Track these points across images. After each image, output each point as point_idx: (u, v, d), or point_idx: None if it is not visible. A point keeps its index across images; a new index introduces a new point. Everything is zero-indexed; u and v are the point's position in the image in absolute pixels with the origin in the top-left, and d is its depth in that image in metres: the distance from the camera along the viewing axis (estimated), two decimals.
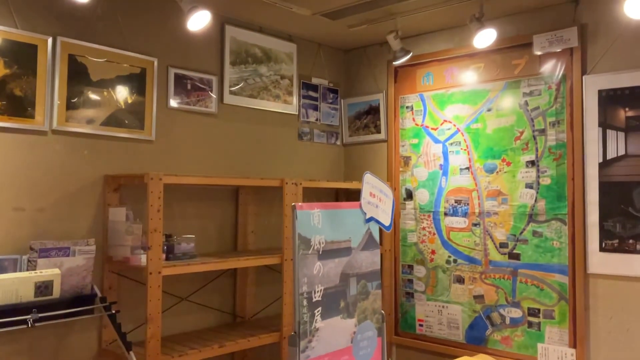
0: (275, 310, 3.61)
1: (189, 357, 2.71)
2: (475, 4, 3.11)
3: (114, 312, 2.64)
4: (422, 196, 3.71)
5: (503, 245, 3.35)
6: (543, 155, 3.21)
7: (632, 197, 2.89)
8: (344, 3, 3.19)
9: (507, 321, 3.32)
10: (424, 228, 3.70)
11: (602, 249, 2.99)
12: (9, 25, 2.54)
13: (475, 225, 3.46)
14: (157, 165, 3.05)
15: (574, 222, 3.08)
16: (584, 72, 3.08)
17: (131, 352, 2.54)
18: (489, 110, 3.43)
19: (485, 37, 3.05)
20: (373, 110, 3.99)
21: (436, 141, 3.66)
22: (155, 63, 3.04)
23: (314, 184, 3.36)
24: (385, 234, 3.79)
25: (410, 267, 3.76)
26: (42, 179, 2.65)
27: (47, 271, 2.51)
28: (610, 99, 2.98)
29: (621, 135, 2.95)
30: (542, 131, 3.22)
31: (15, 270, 2.50)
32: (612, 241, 2.96)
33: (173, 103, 3.12)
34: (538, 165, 3.23)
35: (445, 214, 3.59)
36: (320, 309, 1.68)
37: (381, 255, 3.80)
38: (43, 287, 2.50)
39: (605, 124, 3.00)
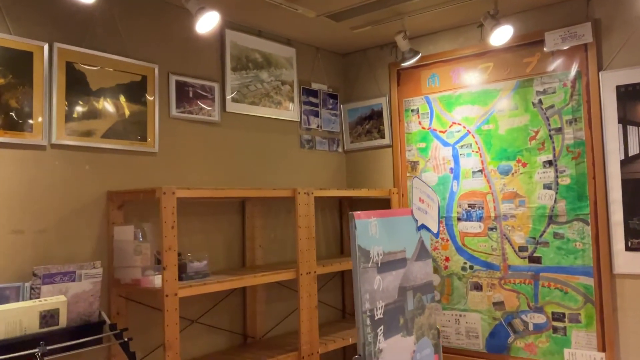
0: (284, 328, 3.43)
1: None
2: (482, 2, 3.02)
3: (126, 339, 2.42)
4: None
5: (522, 249, 3.24)
6: (561, 154, 3.13)
7: None
8: (350, 4, 3.06)
9: (530, 327, 3.21)
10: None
11: (628, 248, 2.91)
12: (2, 30, 2.32)
13: (491, 229, 3.35)
14: (161, 179, 2.85)
15: (597, 222, 2.99)
16: (599, 68, 3.00)
17: None
18: (500, 110, 3.33)
19: (502, 34, 2.96)
20: (376, 115, 3.86)
21: (445, 144, 3.55)
22: (156, 70, 2.84)
23: (324, 193, 3.20)
24: None
25: None
26: (41, 197, 2.42)
27: (52, 299, 2.29)
28: (629, 95, 2.92)
29: None
30: (559, 130, 3.14)
31: (17, 299, 2.27)
32: (638, 240, 2.88)
33: (175, 112, 2.93)
34: (556, 165, 3.14)
35: (459, 219, 3.47)
36: (382, 327, 1.52)
37: None
38: (49, 317, 2.28)
39: (625, 120, 2.93)
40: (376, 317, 1.54)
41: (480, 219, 3.39)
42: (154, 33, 2.88)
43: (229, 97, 3.20)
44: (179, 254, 2.72)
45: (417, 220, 1.88)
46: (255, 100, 3.36)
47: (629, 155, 2.92)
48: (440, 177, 3.56)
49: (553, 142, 3.16)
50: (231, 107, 3.22)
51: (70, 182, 2.51)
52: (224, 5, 2.98)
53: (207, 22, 2.58)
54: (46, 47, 2.43)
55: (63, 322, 2.31)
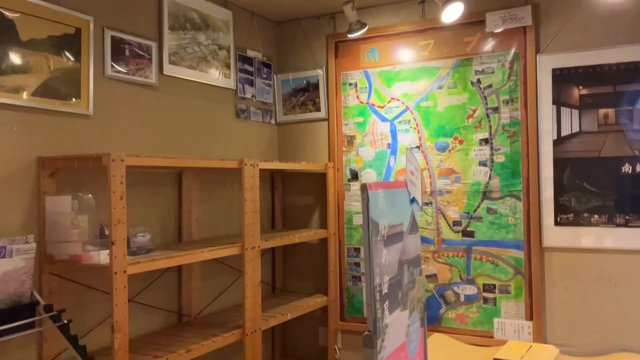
0: (217, 306, 3.30)
1: None
2: None
3: (65, 322, 2.18)
4: (369, 177, 3.59)
5: (456, 223, 3.34)
6: (497, 133, 3.24)
7: (587, 173, 3.02)
8: None
9: (462, 298, 3.33)
10: None
11: (557, 223, 3.09)
12: None
13: (427, 204, 3.42)
14: (95, 145, 2.58)
15: (529, 198, 3.15)
16: (537, 50, 3.13)
17: None
18: (440, 87, 3.38)
19: (453, 11, 2.98)
20: (311, 87, 3.77)
21: (383, 119, 3.55)
22: (91, 23, 2.55)
23: (268, 165, 3.08)
24: (330, 216, 3.62)
25: (357, 249, 3.63)
26: None
27: None
28: (564, 78, 3.07)
29: (575, 112, 3.06)
30: (496, 109, 3.24)
31: None
32: (567, 215, 3.07)
33: (111, 71, 2.65)
34: (492, 143, 3.25)
35: None
36: (387, 302, 1.47)
37: (326, 239, 3.65)
38: None
39: (559, 102, 3.09)
40: (383, 292, 1.49)
41: None
42: None
43: (166, 57, 2.96)
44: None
45: (410, 193, 1.85)
46: (192, 64, 3.14)
47: (562, 135, 3.08)
48: (377, 153, 3.56)
49: (490, 121, 3.26)
50: (169, 69, 2.98)
51: None
52: None
53: None
54: None
55: None
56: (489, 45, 3.25)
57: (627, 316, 2.94)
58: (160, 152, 2.93)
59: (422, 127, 3.43)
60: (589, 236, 3.01)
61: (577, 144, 3.04)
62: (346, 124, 3.67)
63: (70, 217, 2.28)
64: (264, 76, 3.76)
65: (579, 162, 3.04)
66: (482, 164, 3.27)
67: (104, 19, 2.63)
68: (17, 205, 2.26)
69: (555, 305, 3.11)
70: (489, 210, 3.26)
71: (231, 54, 3.43)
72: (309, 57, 3.80)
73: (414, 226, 1.85)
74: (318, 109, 3.75)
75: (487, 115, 3.26)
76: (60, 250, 2.28)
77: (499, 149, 3.23)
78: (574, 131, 3.06)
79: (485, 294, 3.27)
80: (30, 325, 2.17)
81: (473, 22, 3.28)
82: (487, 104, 3.26)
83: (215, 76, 3.29)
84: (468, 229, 3.31)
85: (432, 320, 3.40)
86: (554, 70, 3.09)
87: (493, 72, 3.25)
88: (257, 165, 2.94)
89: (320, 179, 3.75)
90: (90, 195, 2.34)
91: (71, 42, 2.46)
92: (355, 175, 3.64)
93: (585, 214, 3.03)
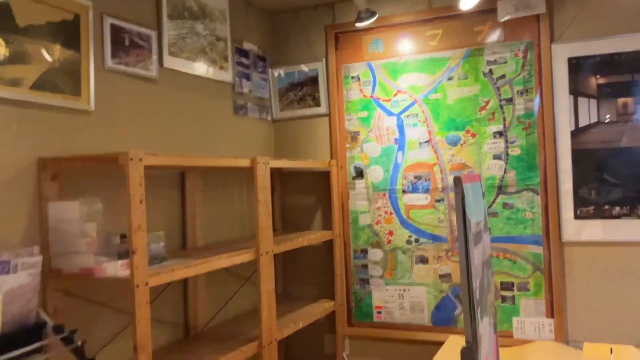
0: (223, 317, 3.07)
1: None
2: None
3: (79, 343, 1.92)
4: (375, 174, 3.43)
5: None
6: (511, 125, 3.13)
7: (607, 164, 2.94)
8: None
9: None
10: (378, 208, 3.42)
11: (577, 217, 3.01)
12: None
13: (438, 201, 3.28)
14: (97, 143, 2.32)
15: (546, 192, 3.05)
16: (551, 39, 3.04)
17: None
18: (449, 79, 3.25)
19: None
20: (310, 81, 3.58)
21: (389, 114, 3.39)
22: (90, 10, 2.29)
23: (277, 164, 2.87)
24: (334, 216, 3.44)
25: (364, 251, 3.46)
26: None
27: None
28: (580, 67, 2.99)
29: (593, 102, 2.98)
30: (510, 100, 3.13)
31: None
32: (587, 208, 2.99)
33: (111, 63, 2.40)
34: (506, 136, 3.14)
35: (404, 192, 3.35)
36: (479, 308, 1.31)
37: (332, 240, 3.46)
38: None
39: (576, 92, 3.00)
40: (476, 298, 1.33)
41: (426, 190, 3.30)
42: None
43: (166, 48, 2.71)
44: (124, 237, 2.25)
45: (482, 186, 1.69)
46: (191, 55, 2.90)
47: (579, 126, 3.00)
48: (383, 149, 3.40)
49: (503, 113, 3.15)
50: (168, 61, 2.73)
51: None
52: None
53: None
54: None
55: None
56: (500, 34, 3.14)
57: None
58: (161, 150, 2.68)
59: (432, 121, 3.29)
60: (610, 229, 2.94)
61: (596, 135, 2.96)
62: (349, 119, 3.49)
63: (79, 225, 2.02)
64: (260, 70, 3.55)
65: (598, 153, 2.96)
66: (497, 157, 3.16)
67: (103, 5, 2.37)
68: (16, 212, 1.99)
69: (577, 301, 3.02)
70: (505, 205, 3.14)
71: (228, 46, 3.20)
72: (306, 49, 3.61)
73: (486, 223, 1.70)
74: (318, 104, 3.56)
75: (501, 107, 3.15)
76: (69, 263, 2.02)
77: (514, 141, 3.12)
78: (592, 121, 2.97)
79: (504, 292, 3.16)
80: (39, 350, 1.90)
81: (483, 10, 3.16)
82: (500, 95, 3.15)
83: (213, 69, 3.06)
84: None
85: (447, 322, 3.27)
86: (569, 60, 3.00)
87: (506, 62, 3.14)
88: (269, 163, 2.73)
89: (320, 177, 3.56)
90: (97, 199, 2.09)
91: (70, 30, 2.19)
92: (360, 173, 3.46)
93: (606, 206, 2.95)
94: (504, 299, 3.16)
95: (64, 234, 2.03)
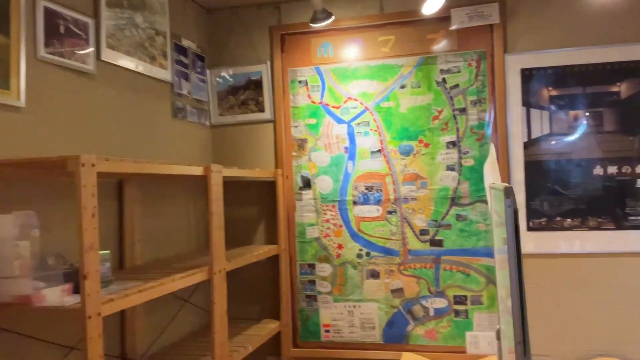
0: (161, 343, 2.74)
1: None
2: None
3: None
4: (324, 184, 3.24)
5: (424, 232, 3.12)
6: (465, 135, 3.07)
7: (558, 175, 2.95)
8: None
9: (431, 313, 3.11)
10: (327, 220, 3.23)
11: (529, 229, 2.99)
12: None
13: (390, 212, 3.15)
14: (30, 145, 1.96)
15: None
16: (505, 50, 3.02)
17: None
18: (402, 87, 3.15)
19: (435, 3, 2.75)
20: (253, 85, 3.34)
21: (339, 121, 3.23)
22: None
23: (231, 173, 2.61)
24: (280, 229, 3.21)
25: (311, 266, 3.26)
26: None
27: None
28: (533, 78, 2.99)
29: (545, 114, 2.98)
30: (463, 110, 3.08)
31: None
32: (539, 220, 2.98)
33: (44, 52, 2.04)
34: (460, 146, 3.08)
35: (354, 203, 3.19)
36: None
37: (277, 256, 3.23)
38: None
39: (529, 103, 3.00)
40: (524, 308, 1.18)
41: (378, 202, 3.17)
42: None
43: (104, 39, 2.37)
44: (62, 257, 1.90)
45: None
46: (130, 49, 2.57)
47: (532, 137, 2.99)
48: (333, 157, 3.23)
49: (457, 123, 3.09)
50: (107, 55, 2.39)
51: None
52: None
53: None
54: None
55: None
56: (453, 43, 3.08)
57: (603, 321, 2.91)
58: (98, 154, 2.33)
59: (384, 130, 3.16)
60: (562, 241, 2.95)
61: (548, 146, 2.97)
62: (296, 126, 3.29)
63: (11, 243, 1.66)
64: (198, 70, 3.26)
65: (550, 165, 2.96)
66: (450, 168, 3.09)
67: None
68: None
69: (530, 313, 3.00)
70: (458, 217, 3.07)
71: (168, 42, 2.90)
72: (249, 50, 3.36)
73: None
74: (262, 109, 3.32)
75: (454, 117, 3.08)
76: (2, 290, 1.65)
77: (468, 152, 3.07)
78: (544, 133, 2.98)
79: (457, 307, 3.08)
80: None
81: (437, 18, 3.09)
82: (453, 104, 3.08)
83: (152, 66, 2.75)
84: (436, 237, 3.10)
85: (399, 339, 3.14)
86: (522, 71, 3.00)
87: (459, 72, 3.08)
88: (221, 172, 2.47)
89: (263, 188, 3.32)
90: (32, 212, 1.74)
91: None
92: (307, 184, 3.26)
93: (558, 218, 2.96)
94: (457, 313, 3.08)
95: None
